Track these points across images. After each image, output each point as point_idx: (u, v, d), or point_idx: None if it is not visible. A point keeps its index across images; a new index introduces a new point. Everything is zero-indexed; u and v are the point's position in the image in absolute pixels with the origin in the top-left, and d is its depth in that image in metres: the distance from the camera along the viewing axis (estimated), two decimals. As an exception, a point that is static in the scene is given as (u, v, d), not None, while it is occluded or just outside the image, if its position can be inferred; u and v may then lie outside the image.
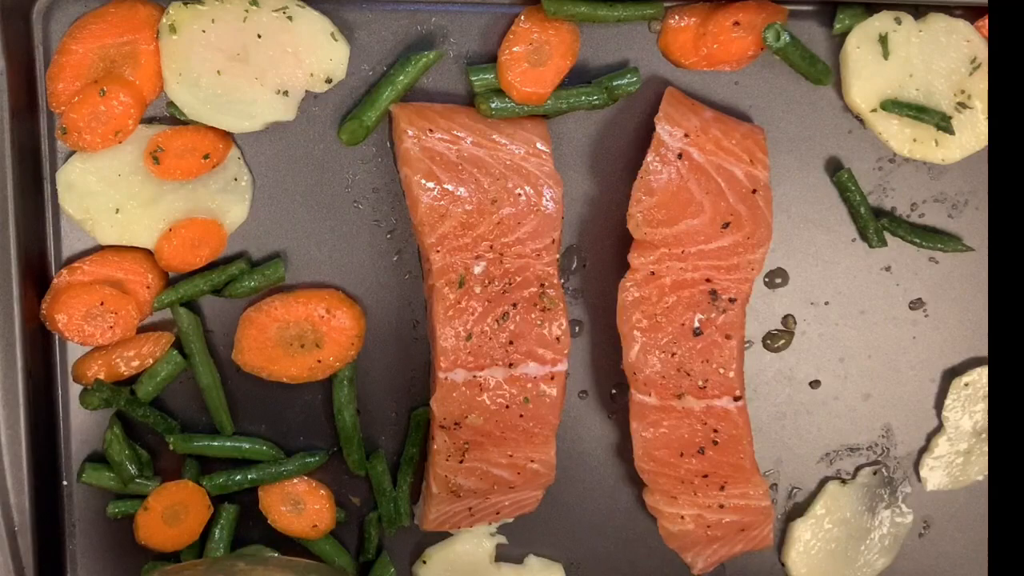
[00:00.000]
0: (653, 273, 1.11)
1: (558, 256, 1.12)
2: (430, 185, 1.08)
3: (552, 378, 1.12)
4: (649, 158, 1.08)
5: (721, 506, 1.16)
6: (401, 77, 1.10)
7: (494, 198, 1.09)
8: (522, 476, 1.15)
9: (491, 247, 1.10)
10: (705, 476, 1.15)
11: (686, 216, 1.09)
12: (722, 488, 1.15)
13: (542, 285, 1.11)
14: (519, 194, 1.09)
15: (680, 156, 1.08)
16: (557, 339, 1.11)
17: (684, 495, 1.16)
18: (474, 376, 1.11)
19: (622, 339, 1.12)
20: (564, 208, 1.12)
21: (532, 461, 1.14)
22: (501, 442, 1.13)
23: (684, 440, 1.14)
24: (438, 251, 1.10)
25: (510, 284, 1.10)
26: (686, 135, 1.08)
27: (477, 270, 1.10)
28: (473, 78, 1.11)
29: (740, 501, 1.16)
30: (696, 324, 1.11)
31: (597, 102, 1.12)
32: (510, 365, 1.11)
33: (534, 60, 1.09)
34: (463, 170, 1.08)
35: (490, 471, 1.14)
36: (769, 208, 1.11)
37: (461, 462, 1.13)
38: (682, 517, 1.16)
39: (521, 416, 1.12)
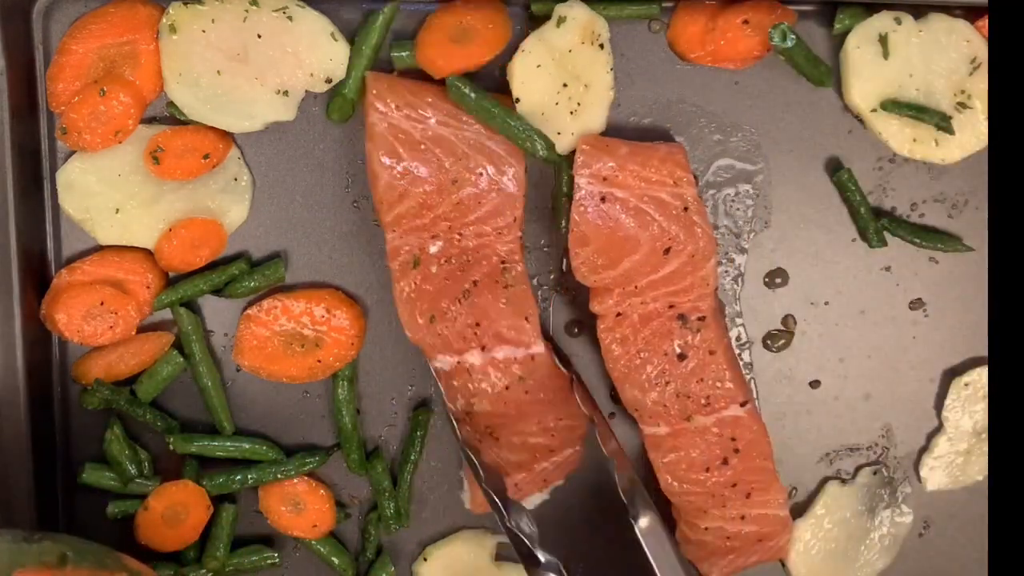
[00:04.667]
0: (620, 314, 1.11)
1: (520, 234, 1.11)
2: (391, 163, 1.07)
3: (533, 359, 1.12)
4: (574, 211, 1.08)
5: (742, 517, 1.16)
6: (365, 41, 1.10)
7: (455, 178, 1.08)
8: (556, 436, 1.15)
9: (450, 227, 1.09)
10: (734, 485, 1.15)
11: (625, 254, 1.09)
12: (748, 496, 1.16)
13: (503, 263, 1.10)
14: (480, 173, 1.08)
15: (604, 199, 1.08)
16: (526, 320, 1.11)
17: (714, 508, 1.16)
18: (458, 362, 1.11)
19: (614, 382, 1.13)
20: (527, 185, 1.11)
21: (561, 419, 1.14)
22: (522, 417, 1.13)
23: (706, 455, 1.14)
24: (393, 231, 1.09)
25: (468, 262, 1.10)
26: (605, 178, 1.08)
27: (433, 249, 1.09)
28: (394, 53, 1.11)
29: (761, 511, 1.17)
30: (678, 350, 1.11)
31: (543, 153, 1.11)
32: (483, 348, 1.11)
33: (454, 37, 1.10)
34: (426, 150, 1.07)
35: (527, 441, 1.14)
36: (705, 220, 1.10)
37: (498, 440, 1.13)
38: (705, 529, 1.17)
39: (526, 392, 1.12)
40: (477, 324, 1.10)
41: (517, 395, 1.12)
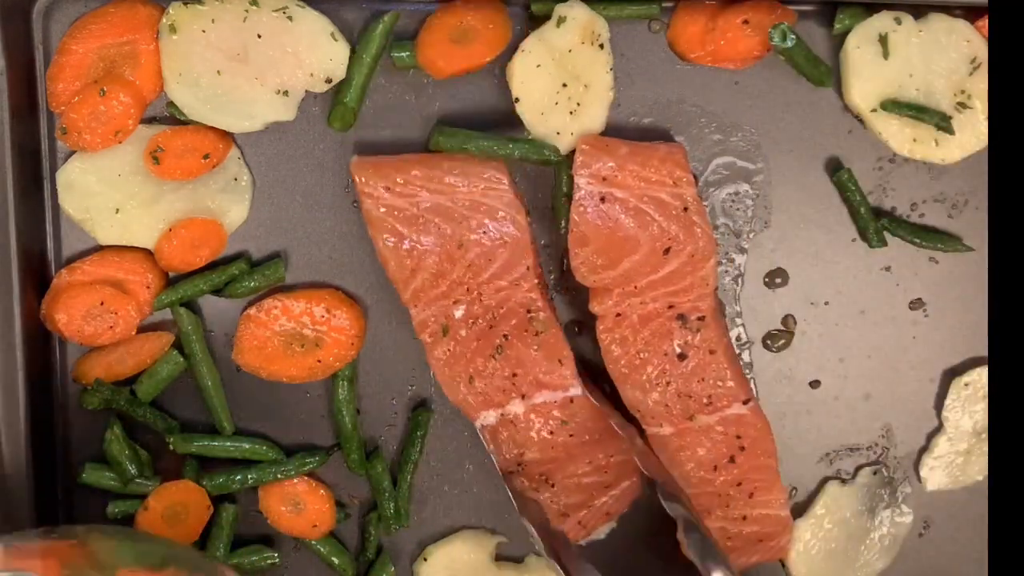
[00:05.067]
0: (619, 315, 1.11)
1: (537, 280, 1.12)
2: (395, 242, 1.09)
3: (572, 401, 1.12)
4: (573, 211, 1.08)
5: (744, 517, 1.17)
6: (365, 49, 1.10)
7: (460, 242, 1.09)
8: (610, 472, 1.16)
9: (467, 289, 1.10)
10: (739, 484, 1.15)
11: (625, 254, 1.09)
12: (751, 495, 1.16)
13: (528, 311, 1.11)
14: (483, 231, 1.09)
15: (603, 200, 1.08)
16: (560, 362, 1.11)
17: (718, 508, 1.16)
18: (502, 414, 1.11)
19: (615, 383, 1.13)
20: (533, 231, 1.13)
21: (611, 455, 1.15)
22: (572, 459, 1.14)
23: (713, 453, 1.14)
24: (415, 306, 1.10)
25: (494, 318, 1.11)
26: (604, 178, 1.08)
27: (458, 314, 1.11)
28: (394, 54, 1.11)
29: (763, 511, 1.17)
30: (678, 350, 1.11)
31: (548, 156, 1.11)
32: (523, 396, 1.11)
33: (455, 37, 1.10)
34: (425, 221, 1.08)
35: (582, 482, 1.15)
36: (704, 220, 1.10)
37: (554, 486, 1.14)
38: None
39: (571, 436, 1.13)
40: (514, 374, 1.11)
41: (563, 439, 1.13)
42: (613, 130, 1.14)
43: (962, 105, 1.14)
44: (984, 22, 1.14)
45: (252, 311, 1.14)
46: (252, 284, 1.14)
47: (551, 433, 1.13)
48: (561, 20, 1.09)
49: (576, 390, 1.12)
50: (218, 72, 1.08)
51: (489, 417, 1.13)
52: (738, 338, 1.21)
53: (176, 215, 1.12)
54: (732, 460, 1.14)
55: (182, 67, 1.08)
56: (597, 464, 1.15)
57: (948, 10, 1.14)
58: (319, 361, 1.14)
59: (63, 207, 1.11)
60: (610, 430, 1.14)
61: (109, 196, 1.11)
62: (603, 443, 1.15)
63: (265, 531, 1.20)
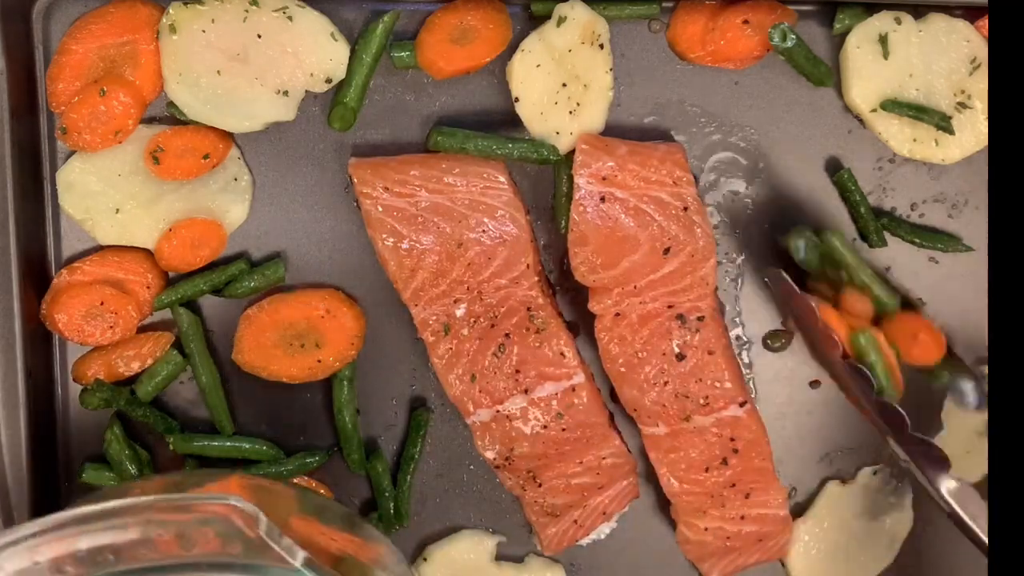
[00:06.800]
0: (618, 314, 1.11)
1: (538, 278, 1.12)
2: (394, 242, 1.09)
3: (573, 390, 1.12)
4: (573, 211, 1.08)
5: (742, 517, 1.17)
6: (365, 49, 1.10)
7: (459, 241, 1.09)
8: (603, 474, 1.15)
9: (467, 288, 1.10)
10: (733, 485, 1.15)
11: (624, 254, 1.09)
12: (747, 496, 1.16)
13: (528, 309, 1.11)
14: (483, 230, 1.09)
15: (603, 199, 1.08)
16: (562, 355, 1.11)
17: (713, 508, 1.16)
18: (498, 411, 1.11)
19: (612, 381, 1.13)
20: (533, 229, 1.13)
21: (604, 458, 1.15)
22: (562, 456, 1.13)
23: (705, 455, 1.14)
24: (416, 305, 1.11)
25: (496, 316, 1.11)
26: (604, 178, 1.08)
27: (459, 313, 1.11)
28: (394, 54, 1.11)
29: (760, 511, 1.17)
30: (676, 349, 1.11)
31: (547, 155, 1.11)
32: (526, 391, 1.11)
33: (455, 37, 1.10)
34: (424, 220, 1.09)
35: (571, 483, 1.15)
36: (704, 220, 1.10)
37: (540, 486, 1.14)
38: (705, 529, 1.17)
39: (564, 430, 1.12)
40: (517, 371, 1.12)
41: (555, 434, 1.13)
42: (613, 130, 1.14)
43: (962, 105, 1.14)
44: (984, 22, 1.14)
45: (252, 311, 1.14)
46: (252, 284, 1.14)
47: (544, 427, 1.12)
48: (561, 20, 1.09)
49: (579, 377, 1.12)
50: (218, 72, 1.08)
51: (483, 415, 1.12)
52: (738, 338, 1.20)
53: (176, 215, 1.12)
54: (724, 462, 1.14)
55: (182, 67, 1.08)
56: (589, 465, 1.15)
57: (948, 10, 1.14)
58: (319, 361, 1.15)
59: (63, 207, 1.11)
60: (605, 430, 1.14)
61: (109, 196, 1.11)
62: (596, 443, 1.14)
63: (265, 531, 1.20)
